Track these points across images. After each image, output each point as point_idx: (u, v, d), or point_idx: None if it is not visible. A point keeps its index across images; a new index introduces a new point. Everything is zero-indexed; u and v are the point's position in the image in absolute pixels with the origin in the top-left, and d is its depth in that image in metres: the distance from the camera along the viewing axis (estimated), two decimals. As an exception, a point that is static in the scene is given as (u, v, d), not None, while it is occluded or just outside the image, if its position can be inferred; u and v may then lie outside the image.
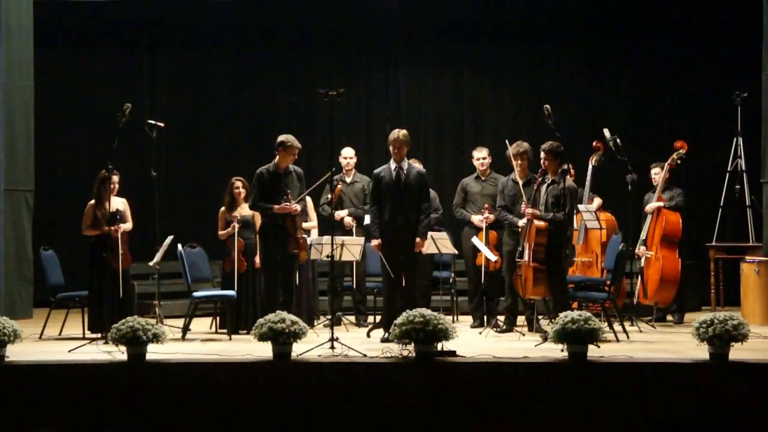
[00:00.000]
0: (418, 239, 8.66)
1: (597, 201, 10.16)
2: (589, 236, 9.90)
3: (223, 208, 9.62)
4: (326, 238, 9.07)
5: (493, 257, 9.30)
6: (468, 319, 10.06)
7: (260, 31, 12.54)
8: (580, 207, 9.52)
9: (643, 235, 9.83)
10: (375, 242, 8.71)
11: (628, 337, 8.67)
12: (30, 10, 10.81)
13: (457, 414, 6.86)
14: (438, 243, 9.39)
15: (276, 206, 8.89)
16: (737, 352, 7.04)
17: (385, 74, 12.80)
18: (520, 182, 9.11)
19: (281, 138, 9.11)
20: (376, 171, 8.83)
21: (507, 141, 9.40)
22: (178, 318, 10.03)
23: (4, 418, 6.90)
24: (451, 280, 10.48)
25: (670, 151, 9.97)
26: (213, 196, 11.08)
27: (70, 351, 7.79)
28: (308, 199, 9.92)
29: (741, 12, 11.38)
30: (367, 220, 9.55)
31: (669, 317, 10.04)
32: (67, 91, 12.63)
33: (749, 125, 10.85)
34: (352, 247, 9.36)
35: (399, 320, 7.10)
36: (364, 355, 7.33)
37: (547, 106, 8.46)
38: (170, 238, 9.53)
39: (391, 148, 8.73)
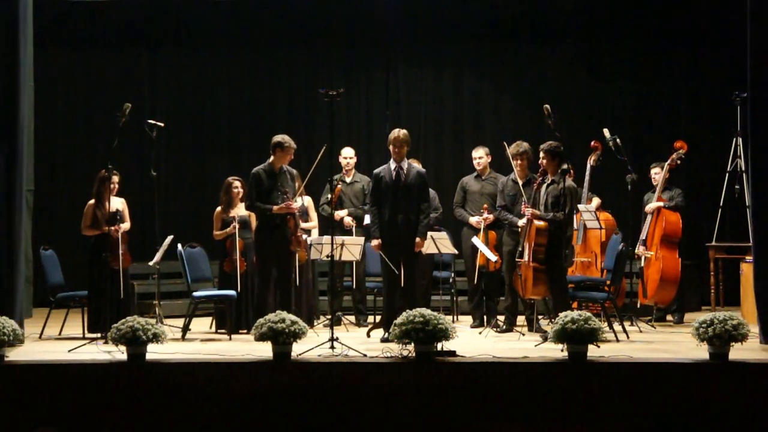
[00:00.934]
0: (417, 239, 8.67)
1: (596, 201, 10.17)
2: (588, 236, 9.91)
3: (219, 208, 9.61)
4: (326, 238, 9.08)
5: (493, 257, 9.31)
6: (468, 319, 10.06)
7: (260, 31, 12.54)
8: (580, 207, 9.52)
9: (643, 235, 9.83)
10: (375, 242, 8.72)
11: (628, 337, 8.67)
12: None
13: (457, 414, 6.86)
14: (438, 243, 9.39)
15: (275, 207, 8.90)
16: (737, 352, 7.05)
17: (385, 74, 12.79)
18: (520, 182, 9.11)
19: (278, 138, 9.10)
20: (376, 171, 8.84)
21: (505, 143, 9.40)
22: (177, 318, 10.04)
23: (4, 418, 6.91)
24: (451, 280, 10.48)
25: (670, 151, 9.97)
26: (213, 196, 11.06)
27: (70, 351, 7.79)
28: (308, 198, 9.93)
29: (741, 12, 11.35)
30: (367, 220, 9.55)
31: (669, 317, 10.04)
32: (67, 91, 12.63)
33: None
34: (352, 247, 9.37)
35: (399, 320, 7.10)
36: (364, 355, 7.33)
37: (547, 106, 8.47)
38: (170, 237, 9.53)
39: (391, 147, 8.74)
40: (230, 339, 8.94)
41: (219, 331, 9.47)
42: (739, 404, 6.78)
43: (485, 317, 9.69)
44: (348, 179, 10.28)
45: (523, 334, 8.94)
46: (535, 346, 7.91)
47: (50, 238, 10.65)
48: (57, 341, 8.80)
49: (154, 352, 7.25)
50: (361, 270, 10.13)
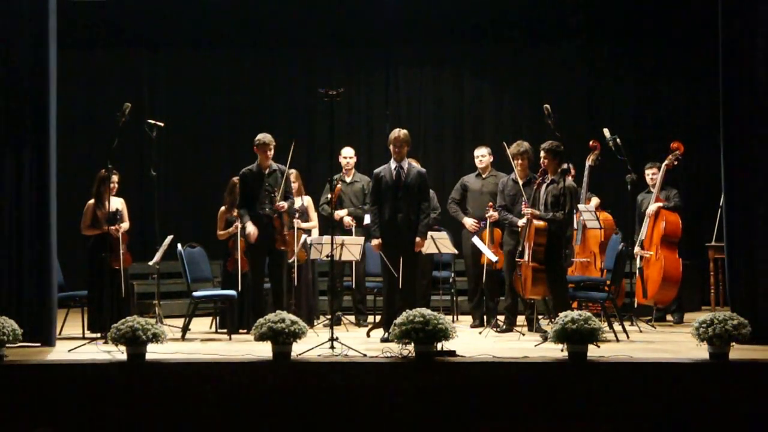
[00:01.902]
0: (418, 239, 8.66)
1: (595, 200, 10.17)
2: (587, 236, 9.91)
3: (223, 208, 9.62)
4: (326, 238, 9.08)
5: (494, 257, 9.30)
6: (468, 319, 10.06)
7: (260, 31, 12.54)
8: (580, 207, 9.53)
9: (641, 236, 9.83)
10: (375, 242, 8.72)
11: (628, 337, 8.67)
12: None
13: (457, 414, 6.86)
14: (438, 243, 9.39)
15: (248, 227, 8.93)
16: (737, 352, 7.05)
17: (385, 74, 12.80)
18: (521, 182, 9.11)
19: (256, 137, 9.16)
20: (377, 171, 8.83)
21: (504, 143, 9.40)
22: (177, 318, 10.04)
23: (4, 418, 6.90)
24: (451, 280, 10.48)
25: (667, 152, 9.97)
26: (213, 196, 11.08)
27: (70, 351, 7.79)
28: (308, 198, 9.94)
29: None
30: (367, 219, 9.55)
31: (669, 317, 10.04)
32: (67, 90, 12.61)
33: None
34: (351, 247, 9.37)
35: (399, 320, 7.10)
36: (364, 355, 7.33)
37: (547, 106, 8.46)
38: (170, 237, 9.54)
39: (391, 147, 8.74)
40: (230, 339, 8.94)
41: (220, 330, 9.47)
42: (739, 404, 6.78)
43: (485, 317, 9.68)
44: (348, 179, 10.28)
45: (523, 334, 8.94)
46: (535, 346, 7.91)
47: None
48: (57, 341, 8.77)
49: (153, 352, 7.26)
50: (361, 270, 10.13)
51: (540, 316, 9.30)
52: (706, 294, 10.84)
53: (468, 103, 12.80)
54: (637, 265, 9.78)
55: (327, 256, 8.92)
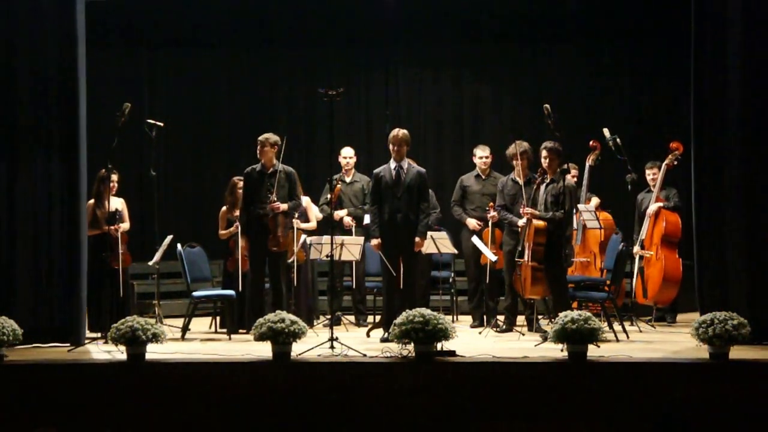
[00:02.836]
0: (417, 239, 8.66)
1: (594, 200, 10.17)
2: (587, 236, 9.91)
3: (224, 208, 9.62)
4: (326, 238, 9.07)
5: (494, 257, 9.30)
6: (468, 319, 10.05)
7: (260, 30, 12.53)
8: (580, 206, 9.52)
9: (642, 236, 9.82)
10: (375, 242, 8.71)
11: (628, 337, 8.67)
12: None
13: (457, 414, 6.86)
14: (438, 243, 9.39)
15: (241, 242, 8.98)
16: (737, 352, 7.05)
17: (385, 74, 12.79)
18: (521, 182, 9.11)
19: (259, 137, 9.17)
20: (376, 170, 8.83)
21: (515, 140, 9.38)
22: (177, 318, 10.03)
23: (4, 418, 6.91)
24: (450, 280, 10.48)
25: (669, 152, 9.97)
26: (213, 196, 11.09)
27: (69, 351, 7.79)
28: (307, 199, 9.93)
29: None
30: (367, 219, 9.55)
31: (668, 317, 10.03)
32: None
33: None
34: (351, 247, 9.37)
35: (399, 320, 7.10)
36: (364, 355, 7.33)
37: (547, 105, 8.46)
38: (170, 237, 9.54)
39: (391, 147, 8.74)
40: (230, 339, 8.94)
41: (219, 330, 9.47)
42: (739, 404, 6.78)
43: (485, 317, 9.68)
44: (348, 179, 10.28)
45: (523, 334, 8.94)
46: (535, 346, 7.91)
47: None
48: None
49: (153, 352, 7.26)
50: (361, 270, 10.13)
51: (540, 316, 9.30)
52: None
53: (468, 103, 12.79)
54: (638, 265, 9.78)
55: (327, 256, 8.91)
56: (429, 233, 9.07)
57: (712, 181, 8.16)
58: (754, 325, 7.23)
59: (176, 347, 8.06)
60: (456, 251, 9.93)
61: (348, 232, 10.03)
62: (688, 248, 10.37)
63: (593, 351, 7.07)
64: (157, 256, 9.53)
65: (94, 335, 8.59)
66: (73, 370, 7.16)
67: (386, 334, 8.23)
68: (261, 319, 7.18)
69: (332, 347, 7.54)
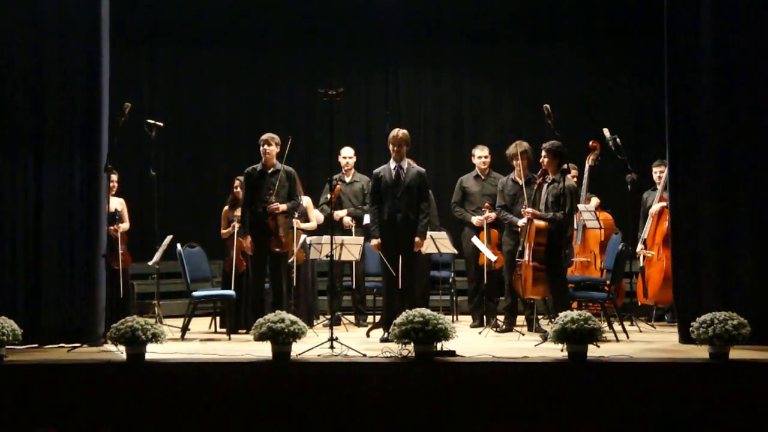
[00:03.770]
0: (417, 239, 8.66)
1: (594, 200, 10.17)
2: (587, 236, 9.90)
3: (226, 207, 9.64)
4: (326, 238, 9.07)
5: (493, 257, 9.30)
6: (468, 319, 10.05)
7: (260, 30, 12.53)
8: (580, 206, 9.52)
9: (644, 235, 9.82)
10: (375, 242, 8.71)
11: (628, 337, 8.67)
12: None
13: (457, 414, 6.86)
14: (438, 243, 9.39)
15: (244, 243, 9.02)
16: (737, 352, 7.04)
17: (385, 74, 12.80)
18: (521, 182, 9.11)
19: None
20: (376, 170, 8.83)
21: (524, 142, 9.39)
22: (177, 318, 10.04)
23: (4, 418, 6.90)
24: (450, 280, 10.48)
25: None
26: (213, 196, 11.08)
27: (69, 351, 7.79)
28: (308, 199, 9.93)
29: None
30: (367, 219, 9.55)
31: (668, 317, 10.02)
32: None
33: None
34: (351, 247, 9.37)
35: (398, 320, 7.09)
36: (364, 355, 7.33)
37: (547, 105, 8.47)
38: (169, 237, 9.53)
39: (390, 146, 8.74)
40: (230, 339, 8.94)
41: (219, 330, 9.47)
42: (739, 404, 6.78)
43: (485, 317, 9.68)
44: (347, 179, 10.28)
45: (523, 334, 8.94)
46: (535, 346, 7.91)
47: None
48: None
49: (153, 352, 7.26)
50: (361, 270, 10.13)
51: (540, 316, 9.31)
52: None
53: (468, 103, 12.79)
54: (640, 265, 9.78)
55: (326, 256, 8.91)
56: (429, 233, 9.07)
57: (688, 179, 8.17)
58: None
59: (176, 347, 8.05)
60: (456, 251, 9.93)
61: (348, 232, 10.03)
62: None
63: (593, 351, 7.07)
64: (157, 256, 9.53)
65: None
66: (73, 370, 7.15)
67: (386, 334, 8.23)
68: (261, 319, 7.18)
69: (332, 347, 7.54)
